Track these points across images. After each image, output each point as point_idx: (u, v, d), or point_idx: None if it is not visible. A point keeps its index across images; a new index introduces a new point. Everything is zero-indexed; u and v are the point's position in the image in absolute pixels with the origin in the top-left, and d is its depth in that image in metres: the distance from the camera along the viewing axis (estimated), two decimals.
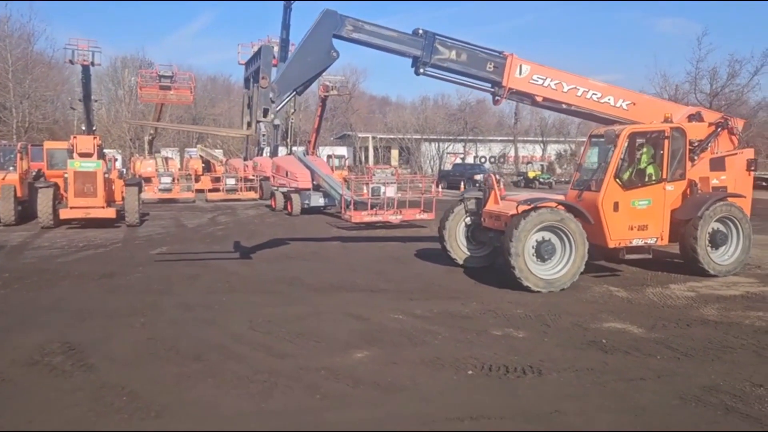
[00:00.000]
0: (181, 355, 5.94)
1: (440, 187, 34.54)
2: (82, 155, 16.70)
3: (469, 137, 51.80)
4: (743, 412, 4.55)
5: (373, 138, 53.94)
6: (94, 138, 17.79)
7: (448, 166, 45.96)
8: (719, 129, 10.08)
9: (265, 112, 9.06)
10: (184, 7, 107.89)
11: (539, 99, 10.07)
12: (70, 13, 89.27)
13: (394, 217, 16.87)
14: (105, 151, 31.31)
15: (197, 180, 30.69)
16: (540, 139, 53.84)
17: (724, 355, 5.87)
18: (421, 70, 9.74)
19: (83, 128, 30.33)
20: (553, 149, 53.31)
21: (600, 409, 4.66)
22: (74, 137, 17.55)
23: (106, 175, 17.43)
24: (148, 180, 28.77)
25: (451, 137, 50.78)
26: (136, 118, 48.54)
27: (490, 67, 9.85)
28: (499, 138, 54.58)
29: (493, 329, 6.81)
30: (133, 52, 64.95)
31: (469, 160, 50.11)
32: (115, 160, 25.58)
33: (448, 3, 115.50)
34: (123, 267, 10.90)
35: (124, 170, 32.12)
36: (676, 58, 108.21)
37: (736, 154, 10.17)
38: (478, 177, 36.59)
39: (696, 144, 9.77)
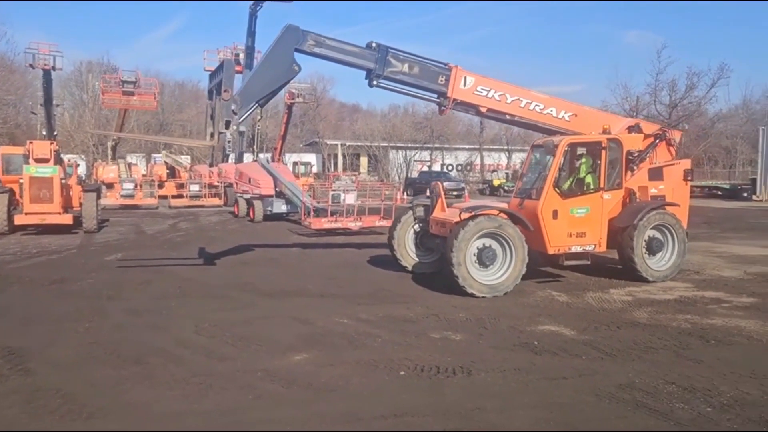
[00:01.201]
0: (122, 358, 6.02)
1: (406, 194, 34.88)
2: (39, 161, 16.51)
3: (436, 145, 52.37)
4: (652, 407, 4.84)
5: (342, 145, 54.17)
6: (51, 143, 17.58)
7: (415, 174, 46.36)
8: (657, 140, 10.52)
9: (227, 124, 9.29)
10: (154, 12, 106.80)
11: (484, 110, 10.40)
12: (33, 14, 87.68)
13: (353, 224, 17.06)
14: (67, 156, 30.84)
15: (161, 186, 30.50)
16: (505, 147, 54.73)
17: (645, 355, 6.18)
18: (375, 82, 10.04)
19: (44, 133, 29.85)
20: (518, 158, 54.15)
21: (519, 406, 4.90)
22: (30, 142, 17.32)
23: (63, 181, 17.25)
24: (110, 186, 28.51)
25: (418, 145, 51.28)
26: (100, 123, 47.90)
27: (441, 80, 10.18)
28: (465, 146, 55.37)
29: (432, 332, 7.03)
30: (100, 56, 64.19)
31: (436, 167, 50.64)
32: (77, 165, 25.33)
33: (423, 10, 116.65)
34: (75, 273, 10.86)
35: (84, 176, 31.67)
36: (636, 70, 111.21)
37: (673, 164, 10.61)
38: (444, 184, 37.09)
39: (635, 154, 10.18)
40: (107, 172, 29.82)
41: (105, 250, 13.89)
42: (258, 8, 31.52)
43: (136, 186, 27.87)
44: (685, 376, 5.52)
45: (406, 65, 10.03)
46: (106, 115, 47.30)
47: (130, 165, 32.87)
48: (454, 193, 35.35)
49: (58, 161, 17.34)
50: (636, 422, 4.58)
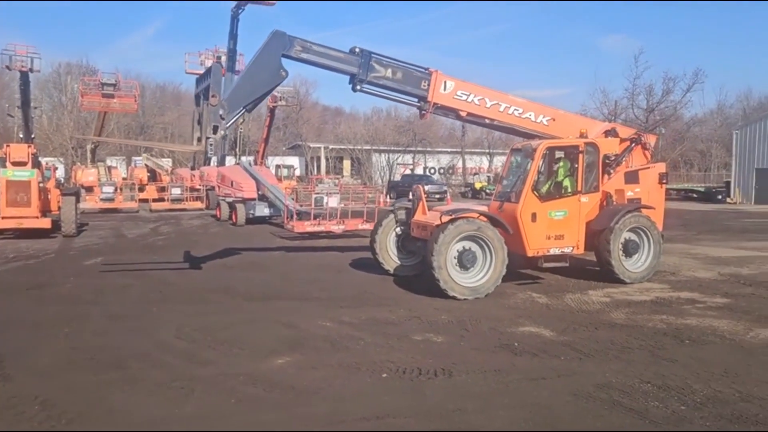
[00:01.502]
0: (102, 364, 5.99)
1: (389, 197, 34.98)
2: (16, 164, 16.31)
3: (418, 149, 52.57)
4: (628, 406, 4.94)
5: (325, 148, 54.14)
6: (29, 146, 17.38)
7: (397, 177, 46.48)
8: (633, 144, 10.71)
9: (215, 129, 9.40)
10: (134, 13, 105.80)
11: (464, 114, 10.51)
12: (10, 15, 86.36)
13: (336, 227, 17.08)
14: (45, 159, 30.44)
15: (142, 190, 30.22)
16: (487, 151, 55.10)
17: (621, 355, 6.31)
18: (358, 87, 10.14)
19: (21, 136, 29.41)
20: (499, 161, 54.51)
21: (499, 406, 4.97)
22: (7, 145, 17.11)
23: (41, 185, 17.05)
24: (89, 189, 28.17)
25: (400, 148, 51.43)
26: (79, 126, 47.31)
27: (424, 85, 10.29)
28: (447, 149, 55.69)
29: (414, 334, 7.09)
30: (79, 58, 63.47)
31: (419, 171, 50.85)
32: (56, 168, 24.95)
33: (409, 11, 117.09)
34: (54, 278, 10.76)
35: (62, 179, 31.26)
36: (615, 75, 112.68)
37: (649, 168, 10.81)
38: (427, 188, 37.28)
39: (612, 158, 10.36)
40: (86, 175, 29.45)
41: (84, 255, 13.75)
42: (240, 11, 31.48)
43: (116, 189, 27.59)
44: (660, 375, 5.64)
45: (389, 70, 10.14)
46: (85, 117, 46.76)
47: (110, 168, 32.47)
48: (437, 196, 35.56)
49: (36, 164, 17.15)
50: (612, 421, 4.68)
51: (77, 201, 17.99)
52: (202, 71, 37.31)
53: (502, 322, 7.69)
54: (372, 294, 9.46)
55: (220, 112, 9.25)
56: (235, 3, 30.96)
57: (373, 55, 10.08)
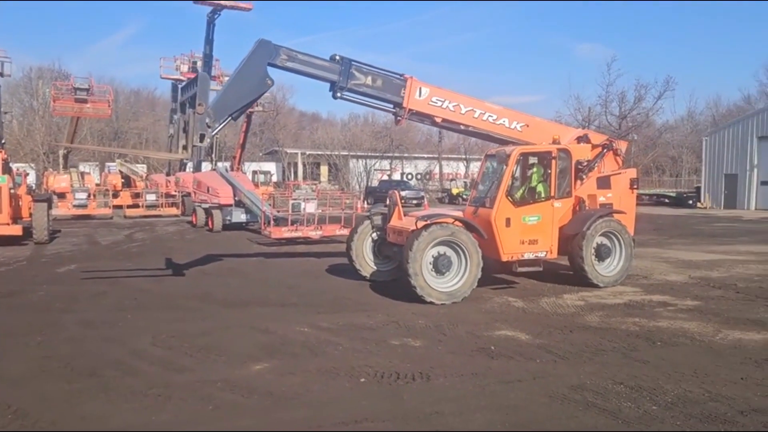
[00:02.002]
0: (76, 372, 5.91)
1: (366, 203, 35.03)
2: None
3: (396, 154, 52.75)
4: (601, 407, 5.04)
5: (302, 154, 54.01)
6: None
7: (375, 183, 46.57)
8: (605, 150, 10.92)
9: (202, 137, 9.42)
10: (108, 17, 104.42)
11: (438, 120, 10.62)
12: None
13: (314, 233, 17.06)
14: (16, 165, 29.83)
15: (116, 196, 29.81)
16: (464, 156, 55.50)
17: (595, 357, 6.42)
18: (339, 95, 10.22)
19: None
20: (476, 167, 55.01)
21: (476, 408, 5.03)
22: None
23: (12, 191, 16.73)
24: (62, 196, 27.70)
25: (378, 154, 51.54)
26: (51, 131, 46.47)
27: (403, 93, 10.37)
28: (424, 155, 55.97)
29: (392, 339, 7.13)
30: (51, 63, 62.43)
31: (396, 176, 50.99)
32: (27, 174, 24.53)
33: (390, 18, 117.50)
34: (25, 285, 10.57)
35: (33, 185, 30.68)
36: (588, 82, 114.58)
37: (620, 173, 11.02)
38: (404, 193, 37.44)
39: (584, 164, 10.54)
40: (59, 181, 28.93)
41: (57, 262, 13.53)
42: (216, 16, 31.35)
43: (89, 195, 27.16)
44: (632, 376, 5.76)
45: (369, 78, 10.25)
46: (58, 122, 45.95)
47: (83, 174, 31.92)
48: (414, 201, 35.78)
49: (7, 170, 16.78)
50: (586, 422, 4.77)
51: (49, 207, 17.68)
52: (177, 76, 37.03)
53: (478, 326, 7.77)
54: (350, 299, 9.48)
55: (207, 120, 9.28)
56: (211, 8, 30.84)
57: (353, 62, 10.16)
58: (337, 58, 10.08)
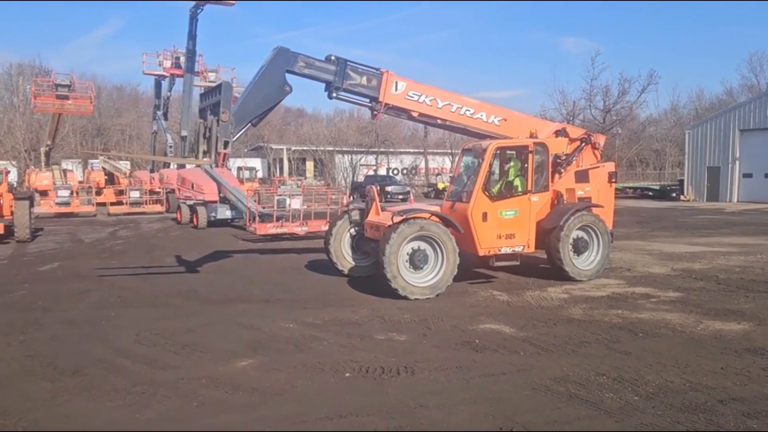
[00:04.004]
0: (59, 371, 5.87)
1: (352, 198, 34.97)
2: None
3: (381, 149, 52.68)
4: (584, 398, 5.10)
5: (288, 150, 53.76)
6: None
7: (361, 178, 46.51)
8: (583, 144, 10.96)
9: (226, 144, 9.80)
10: (89, 13, 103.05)
11: (415, 114, 10.62)
12: None
13: (299, 229, 17.02)
14: None
15: (99, 193, 29.51)
16: (449, 151, 55.53)
17: (578, 349, 6.49)
18: (334, 95, 10.29)
19: None
20: None
21: (460, 402, 5.07)
22: None
23: None
24: (44, 193, 27.37)
25: (363, 149, 51.45)
26: (32, 128, 45.80)
27: (380, 87, 10.37)
28: (410, 150, 55.93)
29: (377, 334, 7.15)
30: (31, 59, 61.56)
31: (382, 172, 50.96)
32: (8, 172, 24.10)
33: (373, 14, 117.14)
34: (7, 284, 10.45)
35: (15, 183, 30.23)
36: (573, 76, 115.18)
37: (598, 167, 11.06)
38: (390, 188, 37.45)
39: (562, 158, 10.58)
40: (41, 179, 28.55)
41: (39, 260, 13.39)
42: (198, 11, 31.07)
43: (72, 193, 26.86)
44: (615, 367, 5.83)
45: (364, 78, 10.35)
46: (39, 119, 45.29)
47: (65, 171, 31.54)
48: (400, 196, 35.81)
49: None
50: (569, 412, 4.82)
51: (31, 205, 17.47)
52: (160, 72, 36.69)
53: (463, 319, 7.81)
54: (335, 295, 9.48)
55: (228, 127, 9.56)
56: (193, 3, 30.55)
57: (348, 63, 10.23)
58: (333, 58, 10.15)
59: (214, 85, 41.89)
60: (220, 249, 14.97)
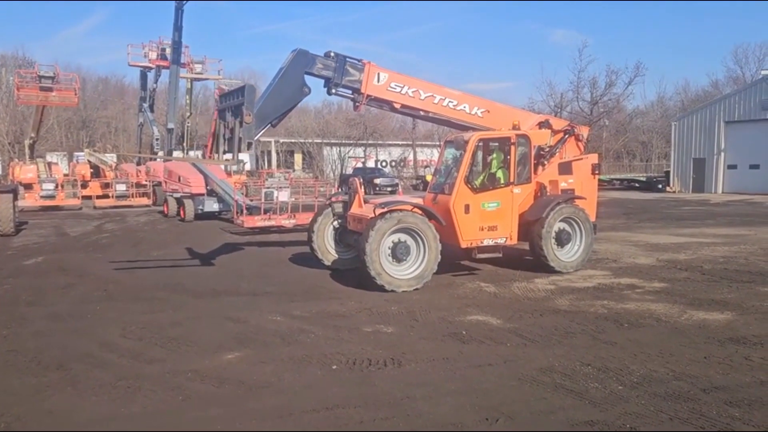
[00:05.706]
0: (43, 365, 5.82)
1: (341, 190, 34.88)
2: None
3: (370, 142, 52.57)
4: (569, 388, 5.14)
5: (276, 142, 53.49)
6: None
7: (349, 170, 46.41)
8: (566, 136, 10.98)
9: (249, 146, 9.77)
10: (74, 4, 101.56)
11: (398, 106, 10.58)
12: None
13: (287, 222, 16.96)
14: None
15: (85, 186, 29.23)
16: (437, 143, 55.52)
17: (564, 339, 6.53)
18: (333, 91, 10.23)
19: None
20: None
21: (447, 393, 5.09)
22: None
23: None
24: (28, 186, 27.07)
25: (351, 141, 51.32)
26: (16, 120, 45.22)
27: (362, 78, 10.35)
28: (398, 142, 55.85)
29: (365, 326, 7.15)
30: (14, 50, 60.69)
31: (370, 164, 50.88)
32: None
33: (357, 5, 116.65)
34: None
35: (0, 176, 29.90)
36: (561, 68, 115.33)
37: (582, 159, 11.08)
38: (378, 181, 37.42)
39: (546, 150, 10.59)
40: (25, 172, 28.19)
41: (23, 254, 13.25)
42: (184, 2, 30.76)
43: (57, 186, 26.59)
44: (600, 357, 5.88)
45: (356, 72, 10.25)
46: (23, 111, 44.69)
47: (50, 164, 31.18)
48: (388, 188, 35.82)
49: None
50: (554, 402, 4.86)
51: (15, 199, 17.27)
52: (145, 63, 36.32)
53: (450, 311, 7.83)
54: (323, 287, 9.47)
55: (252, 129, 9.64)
56: None
57: (347, 59, 10.18)
58: (332, 54, 10.11)
59: (202, 77, 41.33)
60: (207, 242, 14.89)
